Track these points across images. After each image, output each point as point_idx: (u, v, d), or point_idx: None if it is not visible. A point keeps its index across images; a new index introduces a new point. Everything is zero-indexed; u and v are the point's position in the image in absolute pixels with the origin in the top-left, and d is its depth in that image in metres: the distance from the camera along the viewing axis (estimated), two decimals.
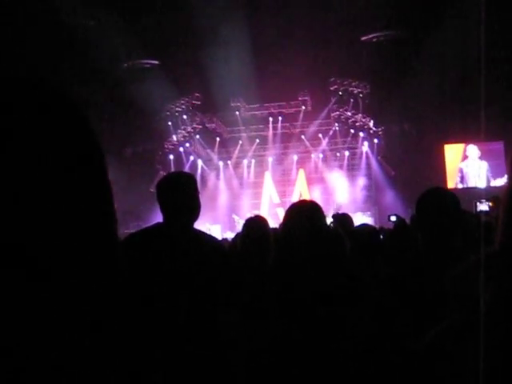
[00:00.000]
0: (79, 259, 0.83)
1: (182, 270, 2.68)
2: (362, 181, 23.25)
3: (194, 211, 2.92)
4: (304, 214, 2.73)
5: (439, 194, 2.60)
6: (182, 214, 2.86)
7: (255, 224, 3.73)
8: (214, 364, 2.64)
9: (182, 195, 2.89)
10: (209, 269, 2.73)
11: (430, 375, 1.16)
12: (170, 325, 2.62)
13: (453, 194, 2.59)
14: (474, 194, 15.06)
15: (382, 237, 5.05)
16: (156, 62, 21.78)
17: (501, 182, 20.56)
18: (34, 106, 0.83)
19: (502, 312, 0.94)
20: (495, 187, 20.08)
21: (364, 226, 4.32)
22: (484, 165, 21.44)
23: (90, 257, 0.86)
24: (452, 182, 21.22)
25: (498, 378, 0.94)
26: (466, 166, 21.72)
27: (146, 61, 21.66)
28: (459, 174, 21.66)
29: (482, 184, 21.21)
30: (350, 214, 5.45)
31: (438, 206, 2.47)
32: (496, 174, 21.10)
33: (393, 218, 5.28)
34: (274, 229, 4.71)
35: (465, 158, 21.74)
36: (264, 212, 21.93)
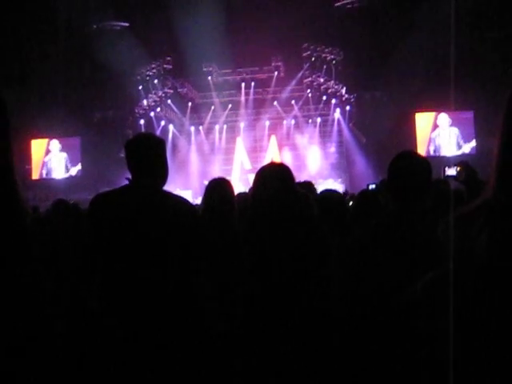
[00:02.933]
0: None
1: (150, 230, 2.67)
2: (333, 147, 23.36)
3: (161, 171, 2.90)
4: (274, 174, 2.74)
5: (412, 156, 2.63)
6: (150, 174, 2.83)
7: (218, 185, 3.72)
8: (185, 328, 2.65)
9: (150, 155, 2.86)
10: (178, 228, 2.71)
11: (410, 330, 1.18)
12: (135, 285, 2.61)
13: (424, 158, 2.62)
14: (444, 161, 15.27)
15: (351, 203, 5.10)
16: (126, 24, 21.32)
17: (470, 146, 20.95)
18: None
19: (496, 257, 0.99)
20: (464, 154, 20.39)
21: (330, 192, 4.36)
22: (454, 131, 21.68)
23: None
24: (422, 150, 21.44)
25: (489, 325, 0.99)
26: (438, 135, 21.92)
27: (116, 22, 21.18)
28: (431, 144, 21.87)
29: (452, 149, 21.48)
30: (321, 180, 5.49)
31: (411, 168, 2.49)
32: (466, 140, 21.42)
33: (372, 187, 5.32)
34: (245, 193, 4.72)
35: (436, 126, 21.93)
36: (235, 177, 21.95)
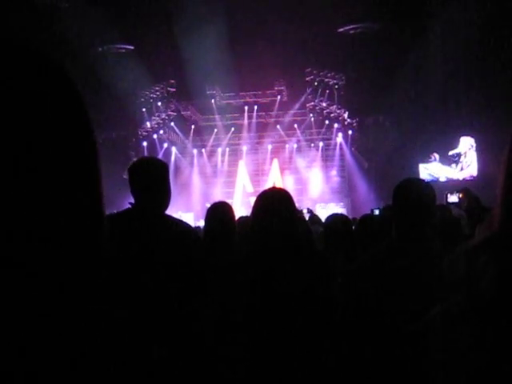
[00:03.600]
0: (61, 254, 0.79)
1: (151, 254, 2.66)
2: (335, 172, 23.40)
3: (164, 196, 2.90)
4: (275, 200, 2.73)
5: (417, 183, 2.62)
6: (153, 198, 2.83)
7: (219, 209, 3.71)
8: (184, 351, 2.63)
9: (153, 179, 2.87)
10: (179, 253, 2.71)
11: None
12: (138, 310, 2.59)
13: (429, 185, 2.61)
14: (441, 186, 15.25)
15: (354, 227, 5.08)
16: (131, 47, 21.50)
17: (470, 172, 20.93)
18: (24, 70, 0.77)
19: (504, 294, 0.96)
20: (464, 180, 20.37)
21: (335, 215, 4.36)
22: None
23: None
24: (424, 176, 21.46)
25: (494, 363, 0.96)
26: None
27: (120, 46, 21.37)
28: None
29: (455, 173, 21.49)
30: (323, 204, 5.48)
31: (416, 194, 2.48)
32: (467, 164, 21.40)
33: (376, 212, 5.33)
34: (246, 217, 4.71)
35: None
36: (237, 201, 21.95)
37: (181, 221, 2.99)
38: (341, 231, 3.89)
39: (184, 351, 2.62)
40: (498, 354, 0.95)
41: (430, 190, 2.54)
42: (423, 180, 2.77)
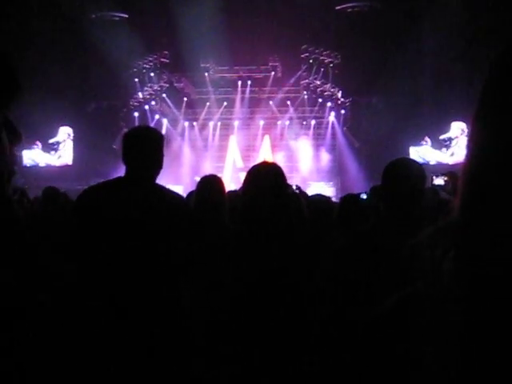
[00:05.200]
0: None
1: (142, 223, 2.65)
2: (326, 150, 23.38)
3: (157, 166, 2.88)
4: (266, 173, 2.73)
5: (408, 163, 2.62)
6: (145, 168, 2.82)
7: (209, 182, 3.71)
8: (172, 325, 2.64)
9: (149, 149, 2.84)
10: (170, 222, 2.70)
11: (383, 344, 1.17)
12: (125, 278, 2.60)
13: (420, 165, 2.61)
14: (431, 169, 15.30)
15: None
16: (125, 16, 21.22)
17: (462, 154, 20.95)
18: None
19: (461, 281, 0.96)
20: (455, 164, 20.46)
21: (319, 196, 4.37)
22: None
23: None
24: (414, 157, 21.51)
25: (455, 350, 0.97)
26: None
27: (114, 13, 21.07)
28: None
29: (445, 157, 21.59)
30: (312, 182, 5.48)
31: (406, 174, 2.48)
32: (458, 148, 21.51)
33: (363, 196, 5.34)
34: (235, 191, 4.71)
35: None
36: (227, 175, 21.92)
37: (174, 192, 2.99)
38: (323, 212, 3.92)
39: (169, 331, 2.62)
40: (457, 345, 0.96)
41: (420, 170, 2.54)
42: (414, 160, 2.76)
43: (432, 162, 21.20)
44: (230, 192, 4.54)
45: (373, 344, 2.11)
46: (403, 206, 2.44)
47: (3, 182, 0.91)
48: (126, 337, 2.54)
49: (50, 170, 22.62)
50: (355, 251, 2.45)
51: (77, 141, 22.94)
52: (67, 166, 23.21)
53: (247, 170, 2.81)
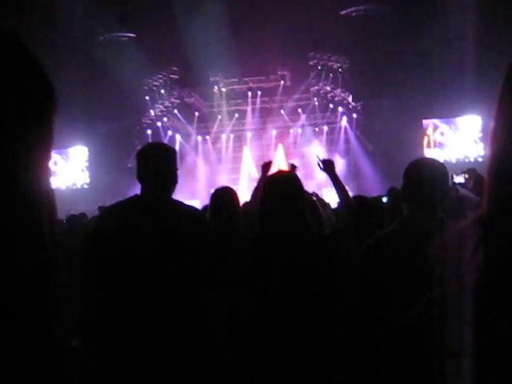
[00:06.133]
0: None
1: (162, 239, 2.63)
2: (340, 156, 23.32)
3: (172, 182, 2.87)
4: (283, 182, 2.71)
5: (430, 162, 2.58)
6: (161, 184, 2.81)
7: (223, 194, 3.70)
8: (195, 338, 2.62)
9: (162, 164, 2.83)
10: (190, 237, 2.68)
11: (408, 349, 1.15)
12: (146, 296, 2.58)
13: (442, 165, 2.56)
14: (450, 167, 15.18)
15: None
16: (133, 35, 21.42)
17: (476, 153, 20.86)
18: None
19: (488, 281, 0.94)
20: (470, 161, 20.31)
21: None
22: (460, 138, 21.60)
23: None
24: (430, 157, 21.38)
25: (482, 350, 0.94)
26: (444, 140, 21.86)
27: (122, 34, 21.29)
28: (438, 151, 21.80)
29: (460, 154, 21.42)
30: (328, 188, 5.44)
31: (429, 174, 2.43)
32: (470, 146, 21.35)
33: (384, 200, 5.29)
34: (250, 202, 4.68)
35: (442, 132, 21.88)
36: (243, 187, 21.93)
37: (190, 205, 2.97)
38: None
39: (191, 343, 2.61)
40: (491, 342, 0.94)
41: (442, 169, 2.50)
42: (436, 160, 2.70)
43: (453, 161, 21.07)
44: (247, 203, 4.52)
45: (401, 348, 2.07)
46: (428, 207, 2.40)
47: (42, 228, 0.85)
48: (156, 355, 2.53)
49: (63, 192, 22.83)
50: (379, 254, 2.41)
51: (92, 162, 23.13)
52: (83, 188, 23.41)
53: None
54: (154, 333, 2.55)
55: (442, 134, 21.88)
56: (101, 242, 2.72)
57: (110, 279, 2.62)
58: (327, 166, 3.41)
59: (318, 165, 3.44)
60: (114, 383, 2.53)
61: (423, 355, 1.23)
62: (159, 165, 2.82)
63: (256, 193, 4.15)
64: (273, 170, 3.33)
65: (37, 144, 0.86)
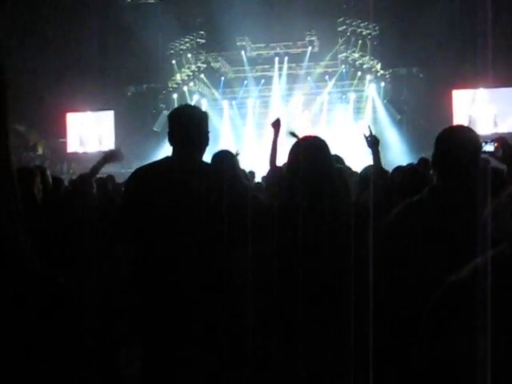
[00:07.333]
0: None
1: (195, 199, 2.64)
2: (367, 124, 23.04)
3: (204, 144, 2.86)
4: (311, 146, 2.69)
5: (463, 131, 2.53)
6: (193, 146, 2.80)
7: (221, 157, 3.70)
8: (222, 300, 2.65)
9: (195, 126, 2.82)
10: (222, 198, 2.68)
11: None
12: (179, 256, 2.61)
13: (475, 133, 2.50)
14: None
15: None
16: None
17: (508, 125, 20.39)
18: None
19: None
20: (501, 133, 19.90)
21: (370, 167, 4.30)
22: (492, 109, 21.13)
23: None
24: None
25: None
26: (474, 111, 21.41)
27: None
28: (468, 122, 21.39)
29: (489, 127, 20.94)
30: (354, 157, 5.40)
31: (463, 142, 2.39)
32: (504, 119, 20.86)
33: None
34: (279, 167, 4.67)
35: (473, 103, 21.41)
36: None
37: (221, 168, 2.98)
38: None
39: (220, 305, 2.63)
40: None
41: (475, 137, 2.44)
42: (468, 127, 2.64)
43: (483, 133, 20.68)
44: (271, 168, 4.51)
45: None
46: (457, 174, 2.35)
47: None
48: (184, 318, 2.56)
49: (91, 155, 23.03)
50: (404, 224, 2.38)
51: (118, 125, 23.21)
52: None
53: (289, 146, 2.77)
54: (185, 285, 2.58)
55: (472, 104, 21.42)
56: (136, 201, 2.74)
57: (144, 234, 2.66)
58: (374, 142, 3.74)
59: (366, 140, 3.69)
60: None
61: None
62: (192, 126, 2.81)
63: (273, 160, 4.17)
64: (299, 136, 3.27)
65: None
